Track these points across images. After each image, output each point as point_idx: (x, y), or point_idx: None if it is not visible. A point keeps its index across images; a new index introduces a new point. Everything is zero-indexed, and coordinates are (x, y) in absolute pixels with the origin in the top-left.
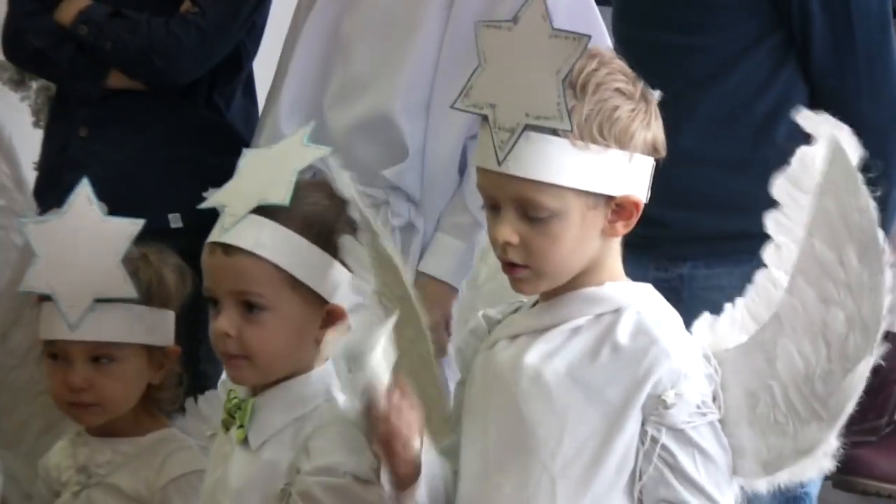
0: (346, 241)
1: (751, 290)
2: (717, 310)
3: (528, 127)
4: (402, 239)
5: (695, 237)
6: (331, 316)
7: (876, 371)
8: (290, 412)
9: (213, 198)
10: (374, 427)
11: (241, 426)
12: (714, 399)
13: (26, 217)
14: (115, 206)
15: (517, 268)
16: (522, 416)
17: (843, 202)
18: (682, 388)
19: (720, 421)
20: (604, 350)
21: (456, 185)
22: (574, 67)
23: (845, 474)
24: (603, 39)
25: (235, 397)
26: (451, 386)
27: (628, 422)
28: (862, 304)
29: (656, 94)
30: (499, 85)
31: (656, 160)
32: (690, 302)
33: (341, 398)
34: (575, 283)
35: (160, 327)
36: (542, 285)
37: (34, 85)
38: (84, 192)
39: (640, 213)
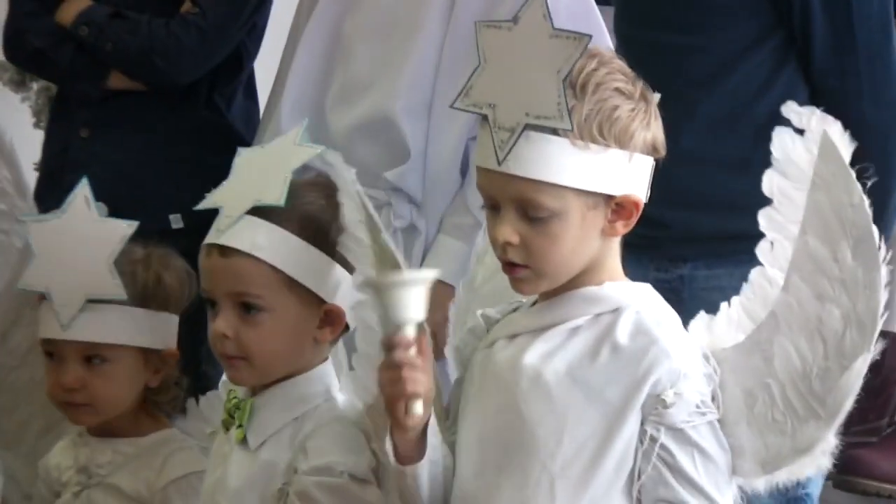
0: (348, 238)
1: (746, 288)
2: (717, 310)
3: (528, 126)
4: (404, 240)
5: (695, 238)
6: (329, 316)
7: (877, 371)
8: (289, 412)
9: (209, 198)
10: (384, 372)
11: (240, 426)
12: (713, 399)
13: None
14: (116, 206)
15: (517, 268)
16: (522, 416)
17: (836, 198)
18: (682, 387)
19: (719, 421)
20: (603, 350)
21: (458, 187)
22: (574, 67)
23: (846, 474)
24: (603, 40)
25: (235, 397)
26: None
27: (628, 421)
28: (857, 300)
29: (656, 96)
30: (499, 85)
31: (656, 160)
32: (691, 302)
33: (340, 398)
34: (574, 282)
35: (157, 330)
36: (542, 285)
37: (35, 86)
38: (82, 193)
39: (640, 212)
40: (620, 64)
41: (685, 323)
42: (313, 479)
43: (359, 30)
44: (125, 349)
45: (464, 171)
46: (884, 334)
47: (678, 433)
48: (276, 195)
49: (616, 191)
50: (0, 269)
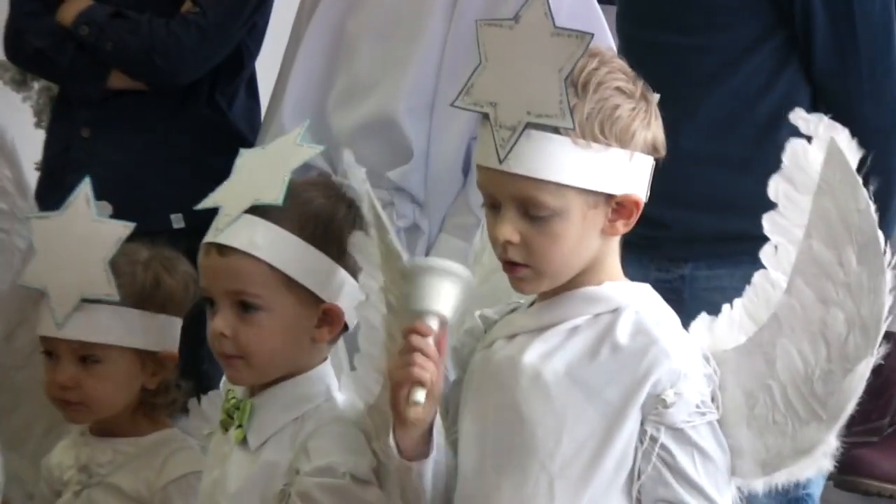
0: (356, 237)
1: (749, 290)
2: (718, 311)
3: (529, 125)
4: (406, 240)
5: (696, 238)
6: (327, 315)
7: (878, 372)
8: (290, 412)
9: (209, 198)
10: (398, 357)
11: (239, 426)
12: (713, 399)
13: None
14: (118, 206)
15: (518, 267)
16: (521, 416)
17: (842, 203)
18: (682, 387)
19: (719, 421)
20: (603, 350)
21: (460, 186)
22: (575, 66)
23: (847, 474)
24: (606, 39)
25: (234, 397)
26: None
27: (627, 421)
28: (861, 304)
29: (656, 96)
30: (500, 83)
31: (656, 160)
32: (692, 303)
33: (340, 398)
34: (574, 282)
35: (153, 332)
36: (542, 284)
37: (36, 85)
38: (84, 192)
39: (640, 212)
40: (621, 63)
41: (686, 323)
42: (315, 480)
43: (361, 30)
44: (119, 350)
45: (466, 171)
46: (887, 336)
47: (678, 433)
48: (274, 194)
49: (617, 190)
50: (0, 269)
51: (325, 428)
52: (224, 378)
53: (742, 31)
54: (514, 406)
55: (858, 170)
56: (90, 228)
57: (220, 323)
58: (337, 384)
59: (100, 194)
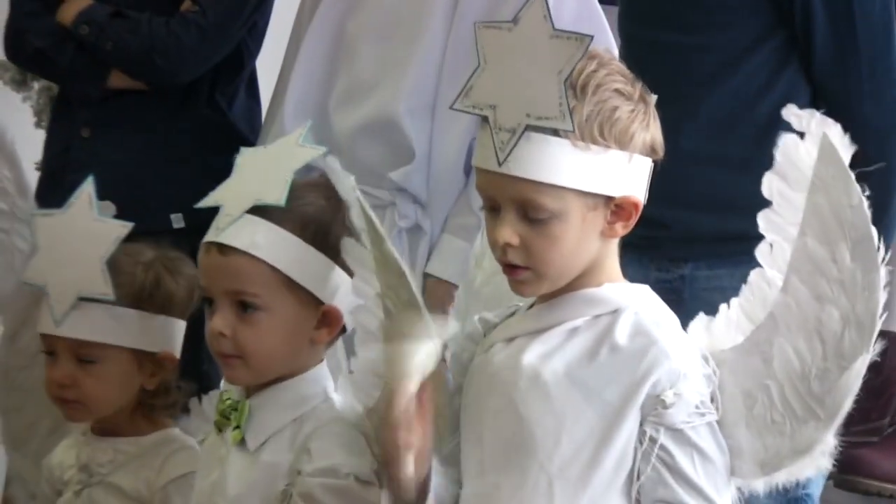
0: (348, 242)
1: (745, 289)
2: (717, 311)
3: (528, 127)
4: (409, 241)
5: (696, 238)
6: (326, 317)
7: (879, 371)
8: (288, 413)
9: (209, 197)
10: (380, 428)
11: (236, 427)
12: (712, 400)
13: (30, 218)
14: (118, 206)
15: (518, 269)
16: (520, 417)
17: (835, 199)
18: (681, 388)
19: (718, 422)
20: (602, 350)
21: (462, 187)
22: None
23: (847, 474)
24: (607, 40)
25: (229, 398)
26: None
27: (626, 422)
28: (856, 301)
29: (654, 97)
30: (499, 85)
31: (655, 161)
32: (691, 303)
33: (338, 399)
34: (573, 284)
35: (151, 333)
36: (543, 287)
37: (36, 85)
38: (87, 191)
39: (639, 214)
40: (619, 65)
41: (685, 323)
42: (318, 481)
43: (362, 30)
44: (117, 349)
45: (468, 172)
46: (884, 334)
47: (677, 434)
48: (276, 195)
49: (616, 192)
50: (0, 269)
51: (325, 429)
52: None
53: (742, 31)
54: (514, 407)
55: (855, 167)
56: (90, 227)
57: (219, 322)
58: (333, 385)
59: (100, 194)
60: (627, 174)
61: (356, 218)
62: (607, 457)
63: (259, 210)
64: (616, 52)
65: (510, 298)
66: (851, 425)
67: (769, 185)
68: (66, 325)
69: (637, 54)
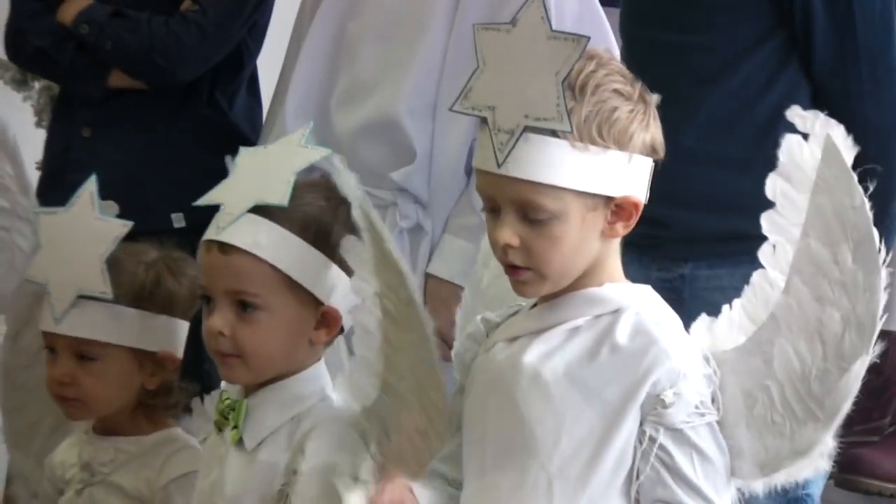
0: (348, 241)
1: (747, 290)
2: (718, 310)
3: (527, 128)
4: (410, 241)
5: (696, 237)
6: (325, 317)
7: (879, 371)
8: (285, 412)
9: (209, 195)
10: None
11: (235, 427)
12: (713, 400)
13: (32, 215)
14: (119, 206)
15: (520, 270)
16: (521, 416)
17: (838, 200)
18: (681, 388)
19: (718, 422)
20: (603, 350)
21: (463, 187)
22: (573, 69)
23: (848, 473)
24: (608, 41)
25: (228, 398)
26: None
27: (626, 421)
28: (857, 302)
29: (655, 98)
30: (498, 87)
31: (655, 161)
32: (692, 302)
33: (336, 397)
34: (574, 284)
35: (150, 332)
36: (544, 287)
37: (36, 85)
38: (89, 190)
39: (640, 214)
40: (619, 65)
41: (686, 322)
42: (314, 480)
43: (363, 30)
44: (116, 348)
45: (469, 172)
46: (885, 335)
47: (677, 434)
48: (279, 195)
49: (616, 192)
50: (1, 267)
51: (322, 428)
52: None
53: (742, 31)
54: (514, 406)
55: (856, 168)
56: (91, 226)
57: (218, 321)
58: (331, 384)
59: (101, 193)
60: (627, 174)
61: (358, 217)
62: (607, 456)
63: (260, 210)
64: (617, 53)
65: (516, 298)
66: (852, 425)
67: (773, 186)
68: (66, 322)
69: (638, 55)
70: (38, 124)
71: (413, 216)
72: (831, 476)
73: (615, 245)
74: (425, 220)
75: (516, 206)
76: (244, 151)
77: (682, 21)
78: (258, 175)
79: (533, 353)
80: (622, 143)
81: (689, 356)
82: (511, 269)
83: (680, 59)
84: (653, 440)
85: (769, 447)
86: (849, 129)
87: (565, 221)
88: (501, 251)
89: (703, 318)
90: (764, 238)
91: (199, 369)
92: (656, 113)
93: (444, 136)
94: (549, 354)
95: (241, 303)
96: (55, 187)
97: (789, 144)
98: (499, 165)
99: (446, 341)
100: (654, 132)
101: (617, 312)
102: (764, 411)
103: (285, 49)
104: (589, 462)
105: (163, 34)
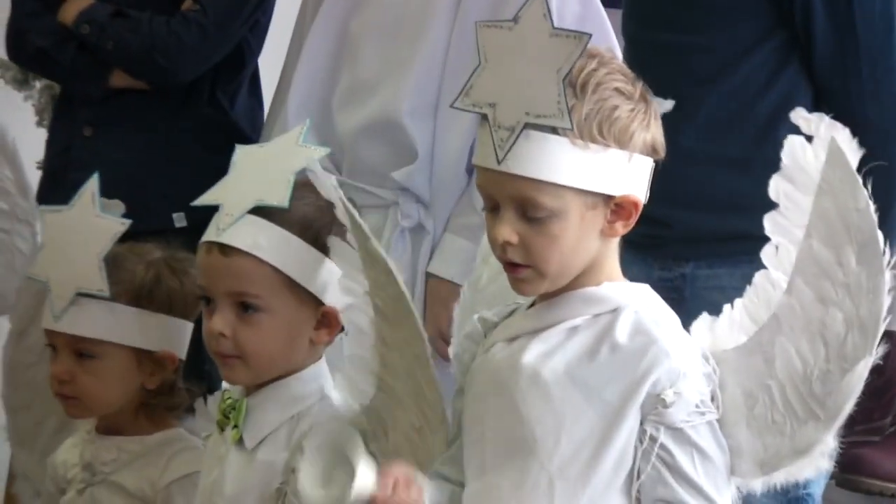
0: (333, 242)
1: (749, 290)
2: (718, 310)
3: (528, 125)
4: (412, 240)
5: (697, 237)
6: (326, 317)
7: (881, 371)
8: (285, 411)
9: (207, 195)
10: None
11: (235, 426)
12: (712, 399)
13: (31, 217)
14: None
15: (519, 268)
16: (520, 416)
17: (842, 202)
18: (681, 387)
19: (718, 421)
20: (602, 349)
21: (464, 186)
22: (574, 66)
23: (849, 473)
24: (608, 41)
25: (229, 397)
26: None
27: (626, 421)
28: (860, 304)
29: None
30: (499, 84)
31: (656, 161)
32: (692, 302)
33: (335, 396)
34: (573, 283)
35: (149, 331)
36: (543, 286)
37: (37, 84)
38: (90, 188)
39: (639, 213)
40: (620, 64)
41: (686, 321)
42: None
43: (365, 29)
44: (114, 346)
45: (470, 171)
46: (888, 335)
47: (677, 433)
48: (280, 197)
49: (615, 191)
50: (1, 269)
51: (320, 427)
52: None
53: (742, 31)
54: (514, 406)
55: (859, 169)
56: (91, 224)
57: (219, 323)
58: (332, 383)
59: (102, 193)
60: (627, 173)
61: (341, 217)
62: (607, 456)
63: (260, 210)
64: (619, 53)
65: (515, 296)
66: (853, 425)
67: (776, 187)
68: (65, 320)
69: (640, 56)
70: (40, 124)
71: (415, 215)
72: (832, 476)
73: (614, 244)
74: (427, 220)
75: (516, 203)
76: (241, 150)
77: (682, 21)
78: (257, 175)
79: (532, 353)
80: (622, 141)
81: (688, 355)
82: (510, 266)
83: (680, 60)
84: (653, 439)
85: (769, 446)
86: (849, 129)
87: (565, 219)
88: (500, 248)
89: (705, 317)
90: (764, 238)
91: (200, 370)
92: (657, 112)
93: (446, 135)
94: (548, 354)
95: (242, 304)
96: (56, 187)
97: (792, 146)
98: (499, 162)
99: (446, 340)
100: (654, 132)
101: (616, 311)
102: (764, 411)
103: (287, 48)
104: (589, 462)
105: (164, 34)
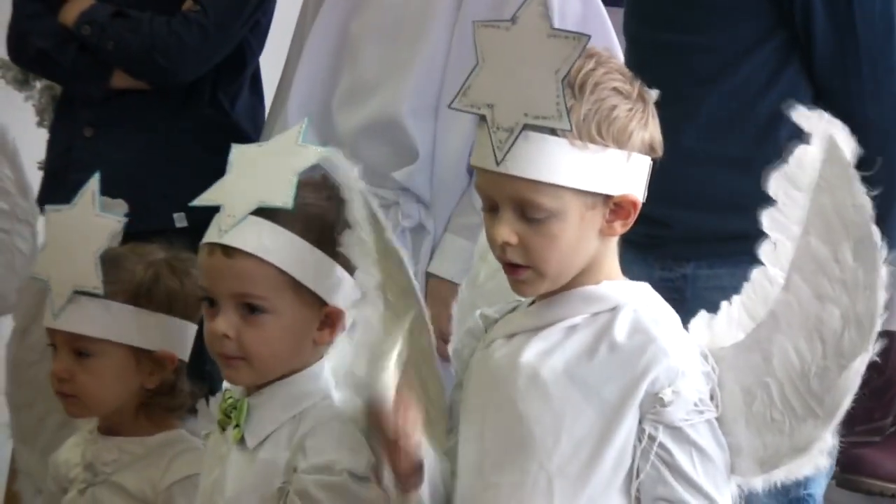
0: (351, 235)
1: (747, 287)
2: (718, 309)
3: (526, 126)
4: (412, 240)
5: (697, 237)
6: (329, 318)
7: (882, 371)
8: (286, 411)
9: (206, 195)
10: (378, 428)
11: (237, 426)
12: (711, 397)
13: (30, 219)
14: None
15: (519, 268)
16: (520, 415)
17: (839, 199)
18: (680, 385)
19: (718, 419)
20: (601, 348)
21: (465, 186)
22: (573, 67)
23: (850, 473)
24: (609, 41)
25: (231, 397)
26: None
27: (625, 420)
28: (857, 300)
29: (654, 94)
30: (497, 85)
31: (654, 160)
32: (693, 302)
33: (337, 395)
34: (572, 282)
35: (149, 330)
36: (543, 286)
37: (38, 85)
38: (91, 188)
39: (638, 212)
40: (618, 64)
41: (688, 322)
42: (313, 478)
43: (365, 30)
44: (112, 345)
45: (471, 171)
46: (887, 334)
47: (676, 431)
48: (283, 197)
49: (614, 191)
50: (1, 269)
51: (322, 426)
52: None
53: (743, 31)
54: (513, 405)
55: (858, 168)
56: (91, 223)
57: (222, 324)
58: (334, 382)
59: (103, 193)
60: (626, 173)
61: (358, 209)
62: (606, 455)
63: (262, 211)
64: (620, 53)
65: (513, 294)
66: (854, 425)
67: (774, 184)
68: (63, 318)
69: (641, 55)
70: (40, 124)
71: (415, 215)
72: (833, 476)
73: (613, 243)
74: (427, 220)
75: (514, 204)
76: (237, 149)
77: (682, 21)
78: (257, 175)
79: (531, 352)
80: (621, 141)
81: (687, 354)
82: (509, 267)
83: (680, 59)
84: (652, 438)
85: (768, 444)
86: (850, 129)
87: (564, 220)
88: (500, 249)
89: (703, 315)
90: (764, 237)
91: (201, 370)
92: (655, 111)
93: (447, 135)
94: (547, 353)
95: (246, 305)
96: (57, 187)
97: (800, 152)
98: (497, 163)
99: (446, 340)
100: (652, 131)
101: (615, 310)
102: (763, 408)
103: (287, 48)
104: (589, 461)
105: (164, 34)
